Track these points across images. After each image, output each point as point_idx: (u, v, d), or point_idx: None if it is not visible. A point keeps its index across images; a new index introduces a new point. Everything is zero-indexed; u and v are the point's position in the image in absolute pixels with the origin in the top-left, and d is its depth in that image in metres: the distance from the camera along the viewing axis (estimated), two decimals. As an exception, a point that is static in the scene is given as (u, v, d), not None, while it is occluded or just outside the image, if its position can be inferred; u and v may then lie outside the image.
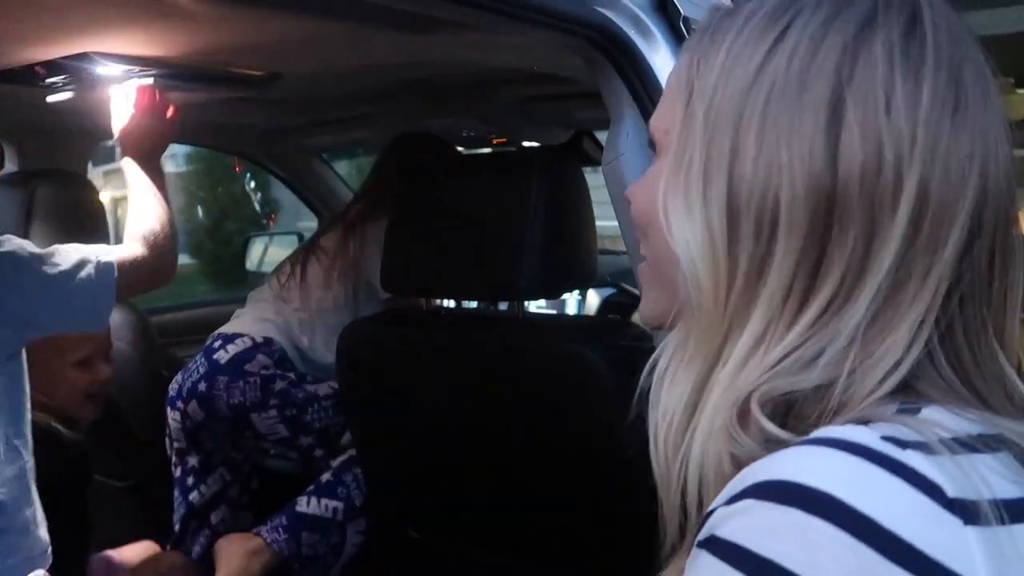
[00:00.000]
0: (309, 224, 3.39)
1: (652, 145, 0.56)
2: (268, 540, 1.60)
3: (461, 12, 1.01)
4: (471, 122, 2.15)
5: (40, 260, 1.11)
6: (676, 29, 1.18)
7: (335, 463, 1.68)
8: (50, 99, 1.43)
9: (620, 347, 1.21)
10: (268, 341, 1.74)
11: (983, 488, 0.39)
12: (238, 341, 1.73)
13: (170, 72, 1.33)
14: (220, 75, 1.41)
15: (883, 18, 0.46)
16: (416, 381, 1.36)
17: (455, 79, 1.73)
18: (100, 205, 1.81)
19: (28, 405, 1.13)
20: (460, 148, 2.46)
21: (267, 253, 3.08)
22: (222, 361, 1.70)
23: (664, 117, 0.54)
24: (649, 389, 0.53)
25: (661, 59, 1.15)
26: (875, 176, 0.44)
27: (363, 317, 1.47)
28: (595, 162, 2.38)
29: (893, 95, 0.44)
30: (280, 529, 1.61)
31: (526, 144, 2.31)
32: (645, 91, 1.12)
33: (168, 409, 1.76)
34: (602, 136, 2.39)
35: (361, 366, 1.41)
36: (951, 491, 0.39)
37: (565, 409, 1.21)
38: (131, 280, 1.25)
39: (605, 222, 1.29)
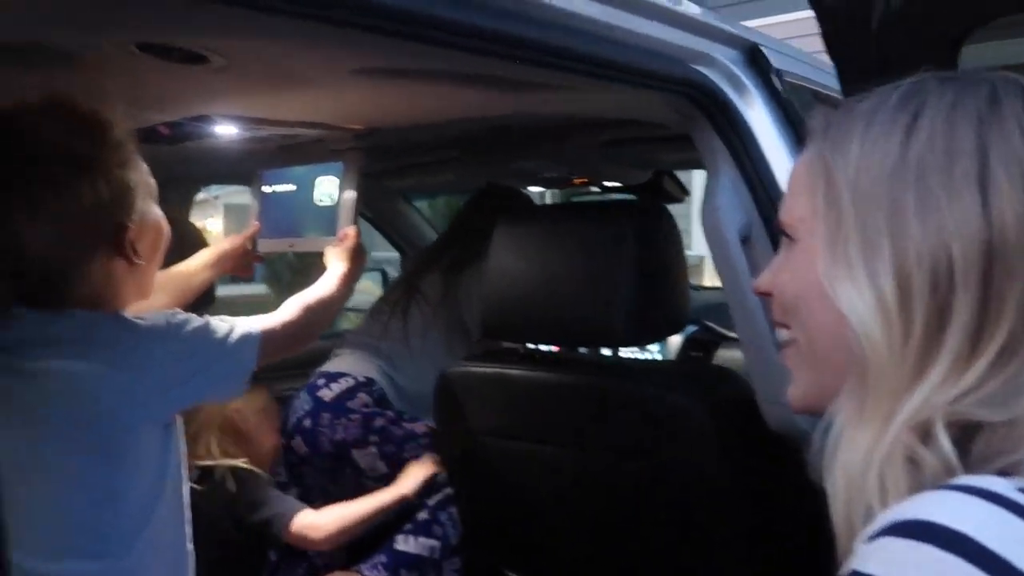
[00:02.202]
0: (382, 254, 3.47)
1: (784, 234, 0.61)
2: None
3: (560, 76, 1.05)
4: (553, 164, 2.19)
5: (192, 329, 1.10)
6: (769, 82, 1.20)
7: (431, 502, 1.72)
8: (167, 151, 1.52)
9: (720, 394, 1.22)
10: (369, 381, 1.81)
11: None
12: (341, 380, 1.81)
13: (279, 130, 1.41)
14: (321, 130, 1.48)
15: (1004, 94, 0.54)
16: (512, 423, 1.39)
17: (540, 124, 1.77)
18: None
19: (185, 475, 1.12)
20: (542, 188, 2.51)
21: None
22: (326, 399, 1.78)
23: (797, 208, 0.60)
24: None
25: (756, 112, 1.18)
26: None
27: (462, 358, 1.51)
28: (676, 200, 2.39)
29: None
30: (380, 567, 1.66)
31: (607, 184, 2.34)
32: (741, 143, 1.15)
33: None
34: (681, 175, 2.42)
35: (458, 406, 1.45)
36: None
37: (664, 455, 1.23)
38: (274, 346, 1.24)
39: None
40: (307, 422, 1.77)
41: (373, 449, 1.74)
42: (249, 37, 0.88)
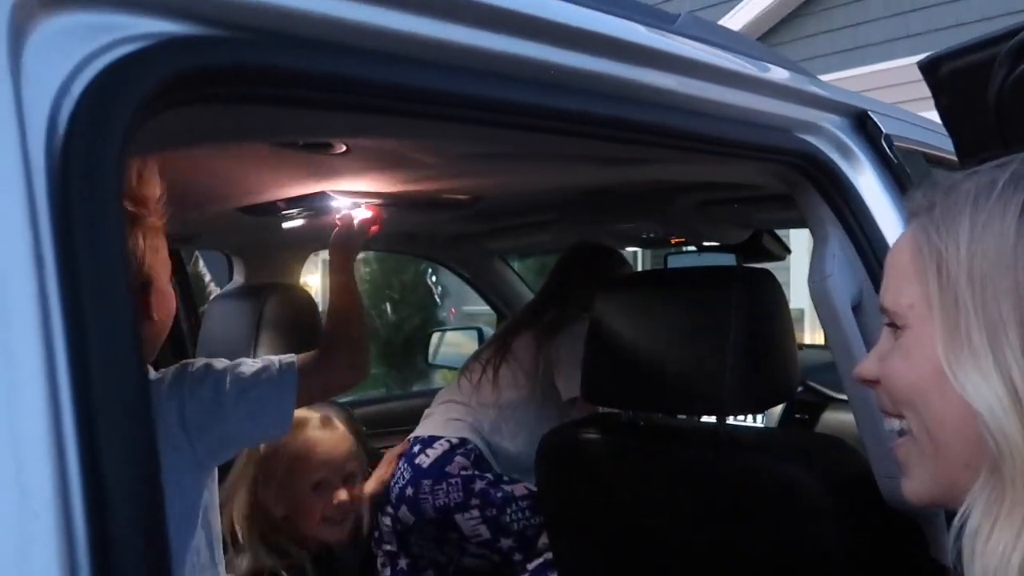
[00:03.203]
0: (473, 308, 3.52)
1: (890, 322, 0.60)
2: None
3: (667, 153, 1.07)
4: (651, 225, 2.20)
5: (221, 372, 1.15)
6: (879, 148, 1.19)
7: (531, 566, 1.72)
8: (286, 226, 1.61)
9: (833, 467, 1.19)
10: (463, 441, 1.83)
11: None
12: (436, 445, 1.83)
13: (391, 203, 1.47)
14: (435, 202, 1.54)
15: None
16: (617, 491, 1.38)
17: (640, 188, 1.79)
18: (319, 315, 1.98)
19: (219, 528, 1.16)
20: (639, 248, 2.51)
21: (447, 346, 3.23)
22: (424, 465, 1.81)
23: (905, 294, 0.58)
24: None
25: (865, 179, 1.17)
26: None
27: (565, 423, 1.52)
28: (777, 258, 2.36)
29: None
30: None
31: (705, 243, 2.33)
32: (849, 209, 1.14)
33: (380, 515, 1.87)
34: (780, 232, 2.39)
35: (562, 472, 1.45)
36: None
37: (776, 529, 1.20)
38: (318, 382, 1.27)
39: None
40: (409, 491, 1.80)
41: (475, 513, 1.76)
42: (366, 130, 0.93)
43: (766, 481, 1.20)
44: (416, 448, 1.86)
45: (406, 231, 2.34)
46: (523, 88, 0.79)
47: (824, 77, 1.35)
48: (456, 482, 1.77)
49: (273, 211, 1.52)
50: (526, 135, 0.89)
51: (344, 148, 1.07)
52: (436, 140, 0.99)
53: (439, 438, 1.85)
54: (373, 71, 0.66)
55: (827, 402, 2.23)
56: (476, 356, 2.12)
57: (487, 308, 3.06)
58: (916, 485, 0.60)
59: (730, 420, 2.25)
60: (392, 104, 0.70)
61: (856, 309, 1.12)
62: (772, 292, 1.29)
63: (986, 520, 0.52)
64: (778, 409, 2.29)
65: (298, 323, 1.84)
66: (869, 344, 1.12)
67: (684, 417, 1.54)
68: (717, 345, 1.24)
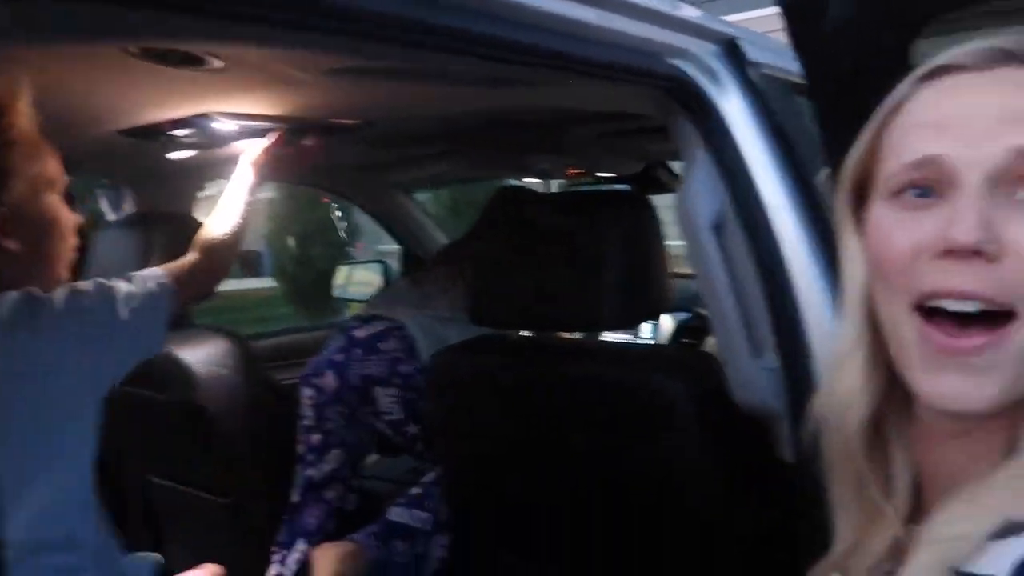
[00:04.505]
0: (389, 247, 3.53)
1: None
2: (362, 545, 1.71)
3: (541, 73, 1.10)
4: (548, 156, 2.24)
5: (108, 293, 1.17)
6: (745, 74, 1.25)
7: (427, 478, 1.79)
8: (170, 155, 1.58)
9: (697, 378, 1.27)
10: (402, 327, 1.89)
11: None
12: (375, 322, 1.90)
13: (277, 126, 1.46)
14: (320, 127, 1.53)
15: None
16: (500, 405, 1.44)
17: (536, 117, 1.82)
18: None
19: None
20: (537, 180, 2.56)
21: (353, 280, 3.23)
22: (359, 337, 1.87)
23: None
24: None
25: (731, 104, 1.22)
26: None
27: (454, 344, 1.56)
28: (670, 190, 2.44)
29: None
30: (373, 535, 1.73)
31: (602, 175, 2.39)
32: (715, 133, 1.20)
33: (302, 387, 1.92)
34: (674, 165, 2.47)
35: (449, 390, 1.51)
36: None
37: (648, 438, 1.28)
38: (190, 291, 1.33)
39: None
40: (339, 356, 1.86)
41: (394, 391, 1.82)
42: (240, 42, 0.93)
43: (639, 392, 1.28)
44: (354, 323, 1.93)
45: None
46: (395, 1, 0.80)
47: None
48: (385, 358, 1.83)
49: (156, 134, 1.49)
50: (402, 51, 0.91)
51: (220, 64, 1.06)
52: (311, 53, 0.99)
53: (380, 318, 1.92)
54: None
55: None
56: (425, 269, 2.19)
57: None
58: (998, 389, 0.55)
59: (623, 339, 2.37)
60: (258, 11, 0.70)
61: (718, 229, 1.19)
62: (646, 215, 1.35)
63: None
64: (668, 334, 2.40)
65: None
66: (728, 261, 1.19)
67: (569, 336, 1.61)
68: (593, 265, 1.30)
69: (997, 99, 0.57)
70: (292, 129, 1.48)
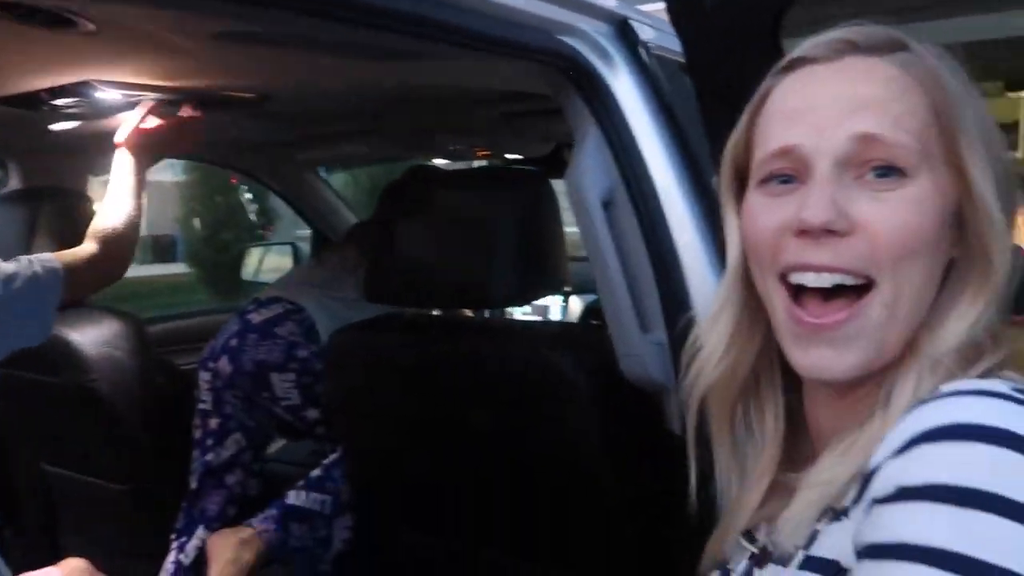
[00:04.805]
0: (307, 233, 3.48)
1: (889, 168, 0.61)
2: (259, 530, 1.68)
3: (431, 47, 1.09)
4: (456, 137, 2.23)
5: None
6: (636, 54, 1.27)
7: (327, 460, 1.77)
8: (52, 127, 1.51)
9: (588, 353, 1.29)
10: (299, 308, 1.85)
11: None
12: (272, 306, 1.86)
13: (166, 97, 1.42)
14: (214, 99, 1.49)
15: None
16: (400, 384, 1.44)
17: (438, 97, 1.81)
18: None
19: None
20: (446, 161, 2.55)
21: (263, 263, 3.17)
22: (254, 321, 1.83)
23: (912, 132, 0.60)
24: None
25: (621, 82, 1.24)
26: None
27: (352, 323, 1.55)
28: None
29: None
30: (270, 520, 1.70)
31: (509, 156, 2.40)
32: (605, 111, 1.21)
33: (200, 371, 1.87)
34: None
35: (348, 369, 1.49)
36: None
37: (541, 413, 1.29)
38: (81, 279, 1.29)
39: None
40: (233, 342, 1.82)
41: (291, 376, 1.79)
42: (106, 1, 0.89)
43: (533, 368, 1.29)
44: (251, 307, 1.88)
45: (210, 138, 2.24)
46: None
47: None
48: (281, 343, 1.80)
49: (36, 103, 1.43)
50: (290, 18, 0.89)
51: (92, 27, 1.02)
52: (191, 17, 0.96)
53: (278, 300, 1.88)
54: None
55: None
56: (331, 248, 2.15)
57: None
58: (860, 357, 0.60)
59: (533, 320, 2.39)
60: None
61: (607, 205, 1.21)
62: (541, 193, 1.37)
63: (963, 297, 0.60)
64: (576, 314, 2.43)
65: (77, 231, 1.75)
66: (617, 238, 1.21)
67: (471, 314, 1.62)
68: (488, 241, 1.30)
69: (843, 89, 0.62)
70: (169, 101, 1.43)
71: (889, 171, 0.59)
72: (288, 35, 1.08)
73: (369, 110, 1.94)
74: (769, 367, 0.71)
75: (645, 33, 1.30)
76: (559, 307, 2.48)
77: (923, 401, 0.54)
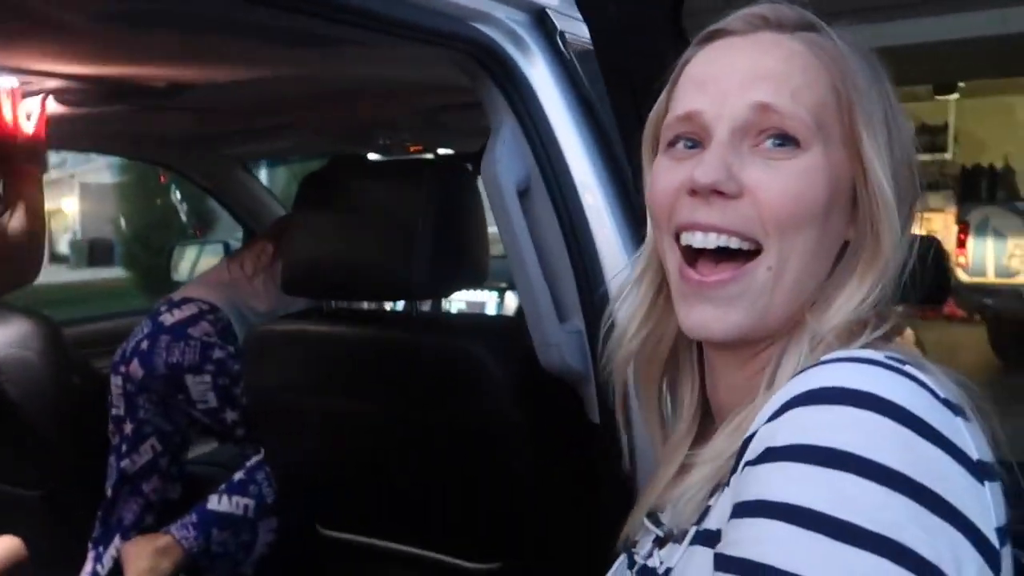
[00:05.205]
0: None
1: (785, 137, 0.61)
2: (177, 537, 1.63)
3: (341, 31, 1.07)
4: (385, 131, 2.20)
5: None
6: (554, 43, 1.26)
7: (250, 463, 1.72)
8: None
9: (507, 343, 1.28)
10: (214, 308, 1.80)
11: (956, 393, 0.53)
12: (184, 307, 1.81)
13: (69, 85, 1.36)
14: (121, 88, 1.44)
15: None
16: (314, 379, 1.41)
17: (362, 89, 1.78)
18: None
19: None
20: (379, 155, 2.52)
21: (195, 263, 3.08)
22: (167, 323, 1.78)
23: (810, 107, 0.62)
24: None
25: (538, 72, 1.23)
26: None
27: (269, 318, 1.51)
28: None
29: None
30: (190, 527, 1.65)
31: (441, 151, 2.38)
32: (521, 99, 1.20)
33: (112, 375, 1.81)
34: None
35: (262, 364, 1.46)
36: (940, 393, 0.52)
37: (459, 402, 1.28)
38: None
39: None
40: (144, 344, 1.76)
41: (207, 378, 1.75)
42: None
43: (452, 358, 1.27)
44: (163, 307, 1.82)
45: (127, 131, 2.17)
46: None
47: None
48: (195, 345, 1.75)
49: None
50: None
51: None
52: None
53: (191, 300, 1.83)
54: None
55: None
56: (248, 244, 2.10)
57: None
58: (742, 318, 0.61)
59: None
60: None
61: (523, 194, 1.19)
62: (462, 184, 1.35)
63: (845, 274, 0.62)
64: (512, 309, 2.42)
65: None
66: (533, 225, 1.20)
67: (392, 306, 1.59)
68: (406, 234, 1.28)
69: (748, 61, 0.63)
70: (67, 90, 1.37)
71: (785, 141, 0.61)
72: (188, 15, 1.04)
73: (291, 103, 1.90)
74: (688, 341, 0.72)
75: (564, 23, 1.29)
76: (495, 303, 2.47)
77: (802, 370, 0.54)
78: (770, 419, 0.51)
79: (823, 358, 0.54)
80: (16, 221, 1.34)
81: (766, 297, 0.61)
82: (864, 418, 0.48)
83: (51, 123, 1.41)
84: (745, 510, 0.49)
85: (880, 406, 0.48)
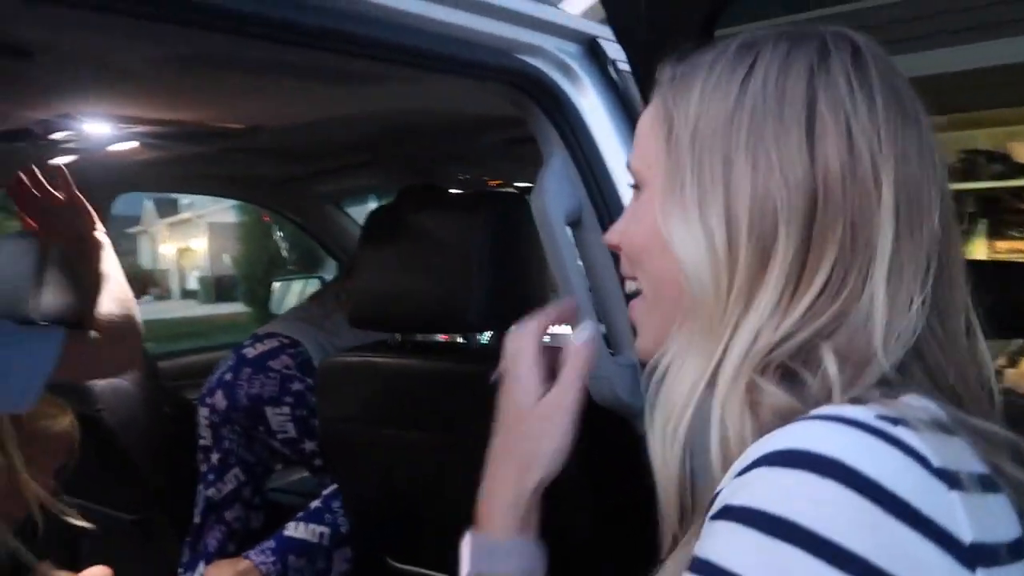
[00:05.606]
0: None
1: (634, 186, 0.64)
2: (256, 562, 1.67)
3: (393, 70, 1.09)
4: (460, 166, 2.23)
5: None
6: (606, 73, 1.25)
7: (326, 491, 1.76)
8: (52, 162, 1.55)
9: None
10: (295, 343, 1.87)
11: (960, 462, 0.46)
12: (267, 340, 1.88)
13: (152, 131, 1.44)
14: (200, 130, 1.52)
15: (834, 48, 0.56)
16: (384, 410, 1.42)
17: (435, 125, 1.81)
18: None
19: None
20: (459, 191, 2.55)
21: (296, 296, 3.21)
22: (249, 356, 1.85)
23: (644, 155, 0.62)
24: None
25: (589, 102, 1.22)
26: (854, 170, 0.52)
27: (343, 349, 1.54)
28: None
29: (856, 105, 0.53)
30: (268, 551, 1.69)
31: (520, 184, 2.39)
32: (571, 131, 1.19)
33: (199, 406, 1.90)
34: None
35: (333, 396, 1.49)
36: (935, 462, 0.45)
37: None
38: (79, 363, 1.21)
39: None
40: (228, 376, 1.84)
41: (286, 410, 1.80)
42: (63, 30, 0.91)
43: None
44: (248, 341, 1.91)
45: (219, 173, 2.29)
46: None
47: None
48: (275, 377, 1.81)
49: (29, 137, 1.47)
50: (231, 40, 0.89)
51: (48, 59, 1.04)
52: (134, 42, 0.98)
53: (274, 335, 1.90)
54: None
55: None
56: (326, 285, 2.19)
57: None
58: (643, 341, 0.64)
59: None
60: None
61: (575, 225, 1.18)
62: (518, 214, 1.34)
63: (675, 363, 0.56)
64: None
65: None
66: (584, 256, 1.18)
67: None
68: (463, 266, 1.29)
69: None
70: (150, 134, 1.44)
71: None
72: (241, 59, 1.09)
73: (365, 141, 1.95)
74: None
75: (615, 51, 1.28)
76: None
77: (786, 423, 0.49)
78: (738, 475, 0.47)
79: (813, 413, 0.48)
80: (105, 304, 1.27)
81: (648, 323, 0.64)
82: (823, 488, 0.43)
83: (142, 167, 1.51)
84: (692, 566, 0.46)
85: (844, 476, 0.43)
